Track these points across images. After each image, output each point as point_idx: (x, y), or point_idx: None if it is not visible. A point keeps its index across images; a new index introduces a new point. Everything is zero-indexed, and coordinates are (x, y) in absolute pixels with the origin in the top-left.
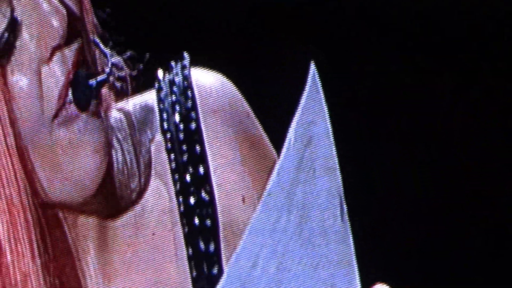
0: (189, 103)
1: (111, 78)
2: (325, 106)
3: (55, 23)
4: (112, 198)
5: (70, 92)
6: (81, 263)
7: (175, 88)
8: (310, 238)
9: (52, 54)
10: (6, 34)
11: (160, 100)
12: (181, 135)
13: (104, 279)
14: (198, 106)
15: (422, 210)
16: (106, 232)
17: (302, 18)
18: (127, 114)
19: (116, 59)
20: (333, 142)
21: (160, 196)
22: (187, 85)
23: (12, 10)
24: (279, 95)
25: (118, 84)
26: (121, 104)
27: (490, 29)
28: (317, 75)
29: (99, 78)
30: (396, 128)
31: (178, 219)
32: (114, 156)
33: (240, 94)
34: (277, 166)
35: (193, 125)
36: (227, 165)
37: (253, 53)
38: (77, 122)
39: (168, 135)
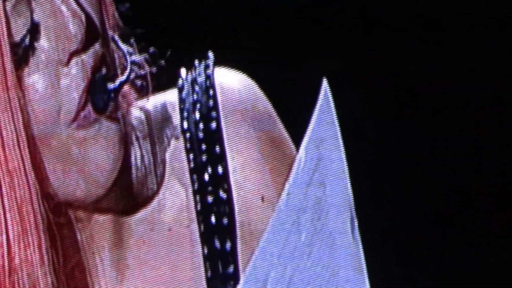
0: (211, 103)
1: (132, 76)
2: (336, 123)
3: (73, 28)
4: (128, 195)
5: (89, 96)
6: (94, 263)
7: (197, 87)
8: (320, 257)
9: (70, 58)
10: (25, 38)
11: (181, 99)
12: (201, 135)
13: (118, 275)
14: (220, 105)
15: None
16: (121, 229)
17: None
18: (147, 112)
19: (137, 56)
20: (344, 158)
21: (177, 194)
22: (209, 85)
23: (32, 14)
24: (289, 106)
25: (138, 82)
26: (142, 102)
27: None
28: (329, 92)
29: (117, 82)
30: (407, 138)
31: (195, 217)
32: (132, 154)
33: (262, 94)
34: (287, 185)
35: (214, 125)
36: (247, 165)
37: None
38: (93, 124)
39: (188, 135)
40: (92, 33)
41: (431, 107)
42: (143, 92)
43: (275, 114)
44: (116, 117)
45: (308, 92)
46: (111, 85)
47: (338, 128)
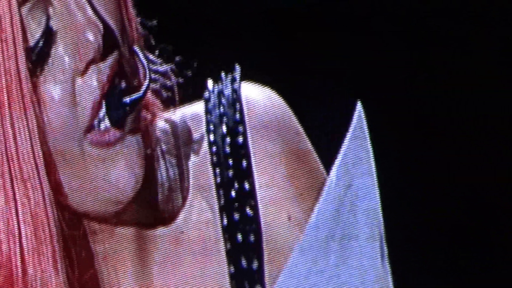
0: (237, 116)
1: (157, 86)
2: (370, 148)
3: (91, 36)
4: (152, 209)
5: (104, 108)
6: (115, 276)
7: (223, 100)
8: (348, 281)
9: (87, 67)
10: (40, 43)
11: (207, 111)
12: (228, 149)
13: None
14: (246, 120)
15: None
16: (145, 243)
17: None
18: (173, 124)
19: (163, 67)
20: (376, 183)
21: (203, 210)
22: (236, 98)
23: (48, 19)
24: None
25: (164, 93)
26: (168, 114)
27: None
28: (363, 116)
29: (134, 96)
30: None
31: (221, 234)
32: (156, 168)
33: (290, 110)
34: (316, 207)
35: (240, 139)
36: (273, 182)
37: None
38: (111, 138)
39: (214, 148)
40: (111, 43)
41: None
42: (169, 103)
43: (302, 129)
44: (137, 130)
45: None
46: (127, 99)
47: (371, 153)
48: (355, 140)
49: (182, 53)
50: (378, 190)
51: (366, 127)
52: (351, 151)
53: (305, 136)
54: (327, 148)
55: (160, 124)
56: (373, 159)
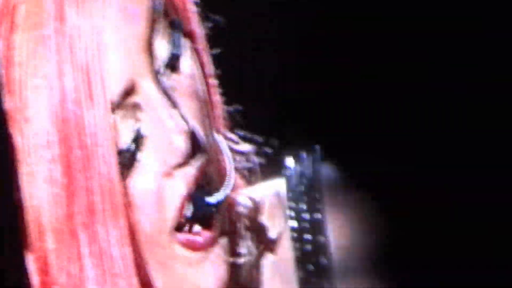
0: (316, 195)
1: (239, 166)
2: None
3: (179, 142)
4: None
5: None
6: None
7: (303, 179)
8: None
9: (174, 170)
10: (131, 147)
11: (289, 189)
12: (306, 224)
13: None
14: (325, 198)
15: None
16: None
17: None
18: (254, 201)
19: (245, 147)
20: None
21: (284, 283)
22: (316, 178)
23: (139, 124)
24: None
25: (246, 173)
26: (249, 191)
27: None
28: None
29: (217, 197)
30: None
31: None
32: (240, 249)
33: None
34: None
35: (318, 216)
36: (350, 258)
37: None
38: (201, 240)
39: (293, 223)
40: (197, 146)
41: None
42: (250, 181)
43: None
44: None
45: None
46: (211, 200)
47: None
48: None
49: (262, 132)
50: None
51: None
52: None
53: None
54: None
55: (242, 200)
56: None
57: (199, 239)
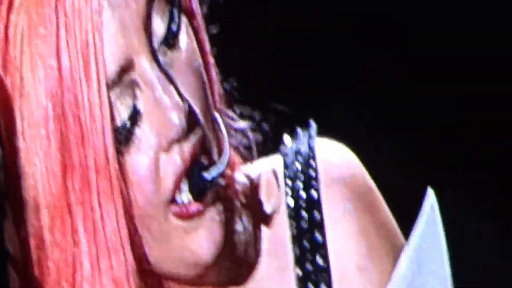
0: (312, 173)
1: (236, 143)
2: (442, 235)
3: (175, 118)
4: (230, 266)
5: (186, 182)
6: None
7: (299, 157)
8: None
9: (170, 146)
10: (127, 124)
11: (285, 166)
12: (303, 203)
13: None
14: (320, 176)
15: None
16: None
17: None
18: (251, 178)
19: (242, 124)
20: (448, 268)
21: (279, 260)
22: (311, 156)
23: (135, 101)
24: None
25: (243, 151)
26: (246, 168)
27: None
28: (435, 202)
29: (214, 172)
30: None
31: (295, 284)
32: (236, 225)
33: (363, 168)
34: None
35: (314, 194)
36: (345, 234)
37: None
38: (194, 211)
39: (290, 202)
40: (194, 122)
41: None
42: (247, 158)
43: (374, 186)
44: (218, 202)
45: None
46: (207, 175)
47: (444, 242)
48: (427, 228)
49: (259, 109)
50: (450, 275)
51: (439, 214)
52: (422, 237)
53: (378, 193)
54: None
55: (239, 177)
56: (446, 249)
57: (192, 207)
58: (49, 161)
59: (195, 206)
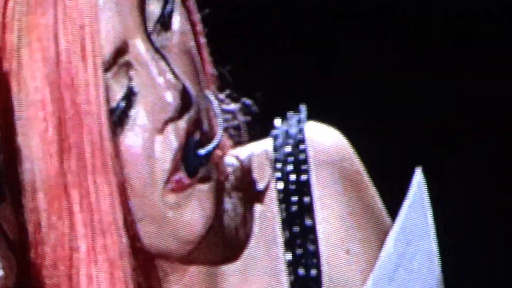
0: (301, 156)
1: (226, 125)
2: (430, 213)
3: (169, 98)
4: (220, 245)
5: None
6: None
7: (289, 140)
8: None
9: (164, 126)
10: (122, 104)
11: (275, 149)
12: (292, 186)
13: None
14: (310, 159)
15: None
16: (215, 281)
17: None
18: (241, 161)
19: (232, 106)
20: (435, 244)
21: (268, 245)
22: (301, 138)
23: (130, 81)
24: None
25: (233, 133)
26: (236, 151)
27: None
28: (423, 182)
29: (208, 148)
30: None
31: (284, 268)
32: (224, 205)
33: (352, 151)
34: (374, 269)
35: (304, 177)
36: (334, 217)
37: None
38: (187, 190)
39: (280, 185)
40: (188, 101)
41: None
42: (237, 140)
43: (363, 169)
44: (210, 178)
45: None
46: (202, 151)
47: (432, 220)
48: (414, 205)
49: (249, 92)
50: (437, 251)
51: (426, 194)
52: (409, 214)
53: (366, 175)
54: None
55: (229, 160)
56: (433, 227)
57: (185, 179)
58: (46, 143)
59: (188, 180)
